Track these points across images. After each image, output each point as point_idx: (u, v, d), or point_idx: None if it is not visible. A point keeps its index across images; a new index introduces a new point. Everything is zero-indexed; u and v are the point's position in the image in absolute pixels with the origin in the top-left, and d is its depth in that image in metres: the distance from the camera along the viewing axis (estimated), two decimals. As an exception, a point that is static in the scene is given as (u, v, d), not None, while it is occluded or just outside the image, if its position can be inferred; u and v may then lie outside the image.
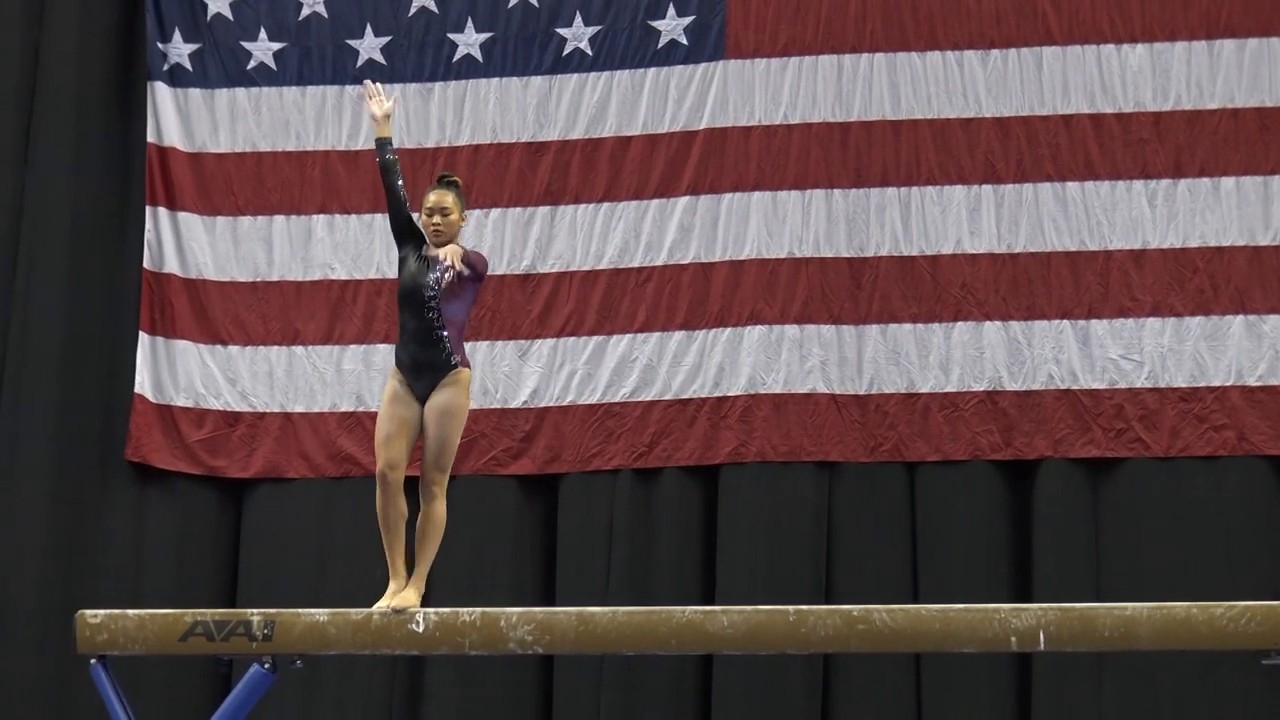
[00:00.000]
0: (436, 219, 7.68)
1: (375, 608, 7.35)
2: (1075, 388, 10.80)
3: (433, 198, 7.72)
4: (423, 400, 7.59)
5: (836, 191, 11.22)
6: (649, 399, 11.17)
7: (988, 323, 10.94)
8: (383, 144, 7.71)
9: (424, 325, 7.59)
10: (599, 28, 11.61)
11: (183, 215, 11.81)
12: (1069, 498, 10.72)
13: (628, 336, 11.27)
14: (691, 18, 11.50)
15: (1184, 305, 10.79)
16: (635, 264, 11.37)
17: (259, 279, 11.75)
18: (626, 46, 11.57)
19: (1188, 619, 6.82)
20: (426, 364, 7.59)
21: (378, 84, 7.90)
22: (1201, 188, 10.87)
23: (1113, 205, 10.94)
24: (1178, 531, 10.59)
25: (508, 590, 10.96)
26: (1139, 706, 10.47)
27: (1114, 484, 10.70)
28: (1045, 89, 11.10)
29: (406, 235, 7.71)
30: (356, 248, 11.67)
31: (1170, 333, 10.78)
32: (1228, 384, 10.68)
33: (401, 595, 7.42)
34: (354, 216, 11.67)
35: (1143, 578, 10.32)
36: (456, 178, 7.83)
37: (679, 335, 11.22)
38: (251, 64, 11.95)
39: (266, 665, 7.29)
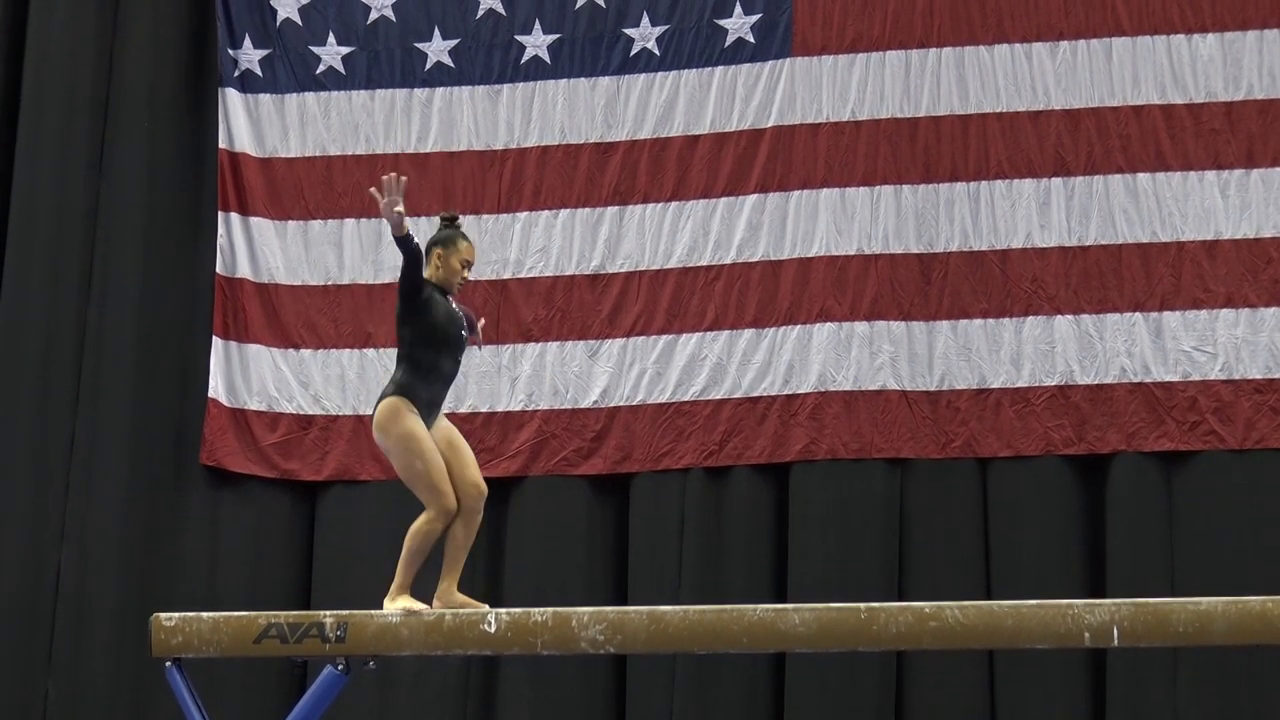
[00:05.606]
0: (468, 273, 7.76)
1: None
2: (1148, 381, 10.70)
3: (468, 248, 7.76)
4: None
5: (905, 187, 11.17)
6: (719, 397, 11.16)
7: (1059, 317, 10.86)
8: (403, 239, 7.42)
9: (456, 370, 7.64)
10: (666, 27, 11.60)
11: (254, 220, 11.89)
12: (1142, 492, 10.62)
13: (697, 335, 11.26)
14: (758, 16, 11.48)
15: (1258, 296, 10.67)
16: (704, 263, 11.35)
17: (330, 282, 11.80)
18: (693, 46, 11.56)
19: (1263, 613, 6.74)
20: (439, 405, 7.63)
21: (392, 178, 7.53)
22: (1275, 177, 10.73)
23: (1184, 196, 10.84)
24: (1253, 525, 10.46)
25: (579, 590, 10.96)
26: (1214, 702, 10.38)
27: (1188, 477, 10.60)
28: (1115, 80, 11.00)
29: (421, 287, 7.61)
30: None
31: (1244, 324, 10.67)
32: (1304, 375, 10.61)
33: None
34: (423, 219, 11.69)
35: (1218, 572, 10.21)
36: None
37: (748, 333, 11.20)
38: (320, 68, 12.02)
39: (340, 667, 7.32)
